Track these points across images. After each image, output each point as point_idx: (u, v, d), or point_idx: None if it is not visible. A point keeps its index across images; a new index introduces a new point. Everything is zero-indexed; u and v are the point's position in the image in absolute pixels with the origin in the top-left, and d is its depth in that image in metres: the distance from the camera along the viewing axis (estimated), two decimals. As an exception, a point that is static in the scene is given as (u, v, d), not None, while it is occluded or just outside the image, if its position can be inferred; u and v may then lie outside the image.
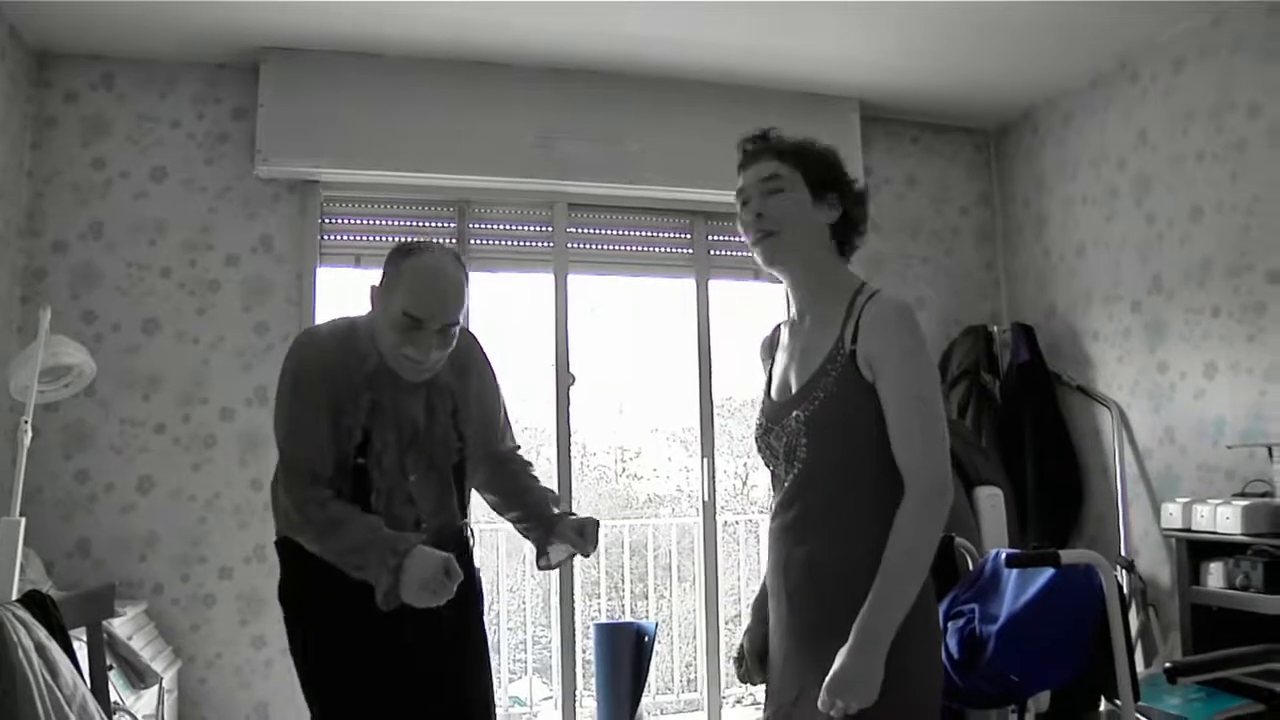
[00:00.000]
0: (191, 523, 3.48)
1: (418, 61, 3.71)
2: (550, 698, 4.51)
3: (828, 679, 1.41)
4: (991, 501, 3.62)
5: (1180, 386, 3.54)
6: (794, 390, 1.60)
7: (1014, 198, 4.48)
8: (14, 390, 2.68)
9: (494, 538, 4.76)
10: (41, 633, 1.86)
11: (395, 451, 1.80)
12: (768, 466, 1.66)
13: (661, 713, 4.61)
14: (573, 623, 3.93)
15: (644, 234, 4.16)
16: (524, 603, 5.42)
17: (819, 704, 1.42)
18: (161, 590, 3.42)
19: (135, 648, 2.86)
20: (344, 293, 3.74)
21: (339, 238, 3.80)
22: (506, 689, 4.73)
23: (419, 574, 1.61)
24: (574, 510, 2.12)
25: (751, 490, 6.54)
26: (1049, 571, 2.30)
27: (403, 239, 1.87)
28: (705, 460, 4.12)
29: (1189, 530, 3.10)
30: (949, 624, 2.45)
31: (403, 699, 1.80)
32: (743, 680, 1.78)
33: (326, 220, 3.77)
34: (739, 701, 4.36)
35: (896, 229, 4.37)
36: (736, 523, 5.52)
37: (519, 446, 2.10)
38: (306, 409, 1.75)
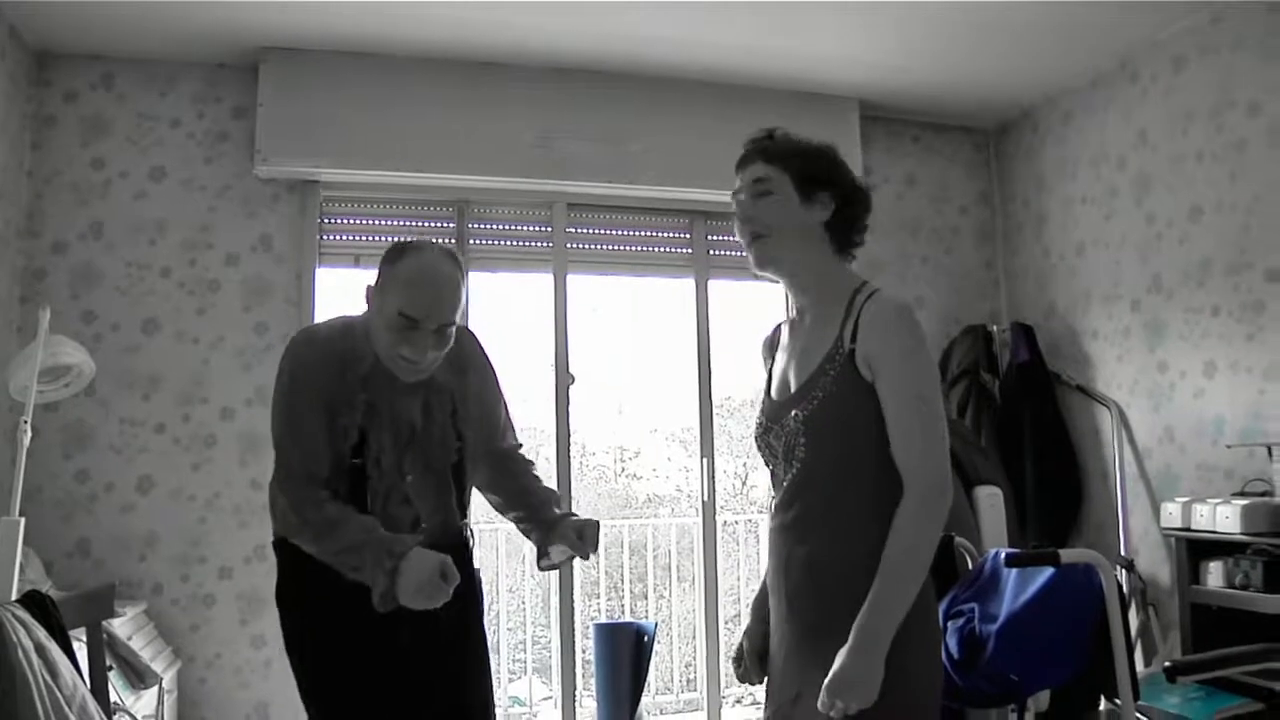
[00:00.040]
0: (191, 523, 3.48)
1: (417, 61, 3.70)
2: (550, 698, 4.51)
3: (827, 679, 1.41)
4: (991, 501, 3.62)
5: (1180, 386, 3.54)
6: (793, 390, 1.60)
7: (1014, 197, 4.48)
8: (14, 390, 2.68)
9: (494, 538, 4.76)
10: (41, 633, 1.85)
11: (392, 452, 1.79)
12: (767, 466, 1.65)
13: (661, 713, 4.61)
14: (572, 623, 3.93)
15: (643, 234, 4.16)
16: (523, 603, 5.42)
17: (819, 704, 1.42)
18: (161, 590, 3.42)
19: (135, 648, 2.86)
20: (343, 293, 3.73)
21: (338, 237, 3.80)
22: (506, 689, 4.73)
23: (415, 576, 1.60)
24: (574, 510, 2.11)
25: (751, 490, 6.54)
26: (1048, 571, 2.30)
27: (402, 239, 1.87)
28: (705, 460, 4.12)
29: (1188, 529, 3.10)
30: (949, 624, 2.45)
31: (401, 700, 1.79)
32: (742, 680, 1.77)
33: (326, 220, 3.77)
34: (739, 701, 4.36)
35: (896, 228, 4.37)
36: (736, 523, 5.51)
37: (521, 444, 2.09)
38: (302, 409, 1.74)
